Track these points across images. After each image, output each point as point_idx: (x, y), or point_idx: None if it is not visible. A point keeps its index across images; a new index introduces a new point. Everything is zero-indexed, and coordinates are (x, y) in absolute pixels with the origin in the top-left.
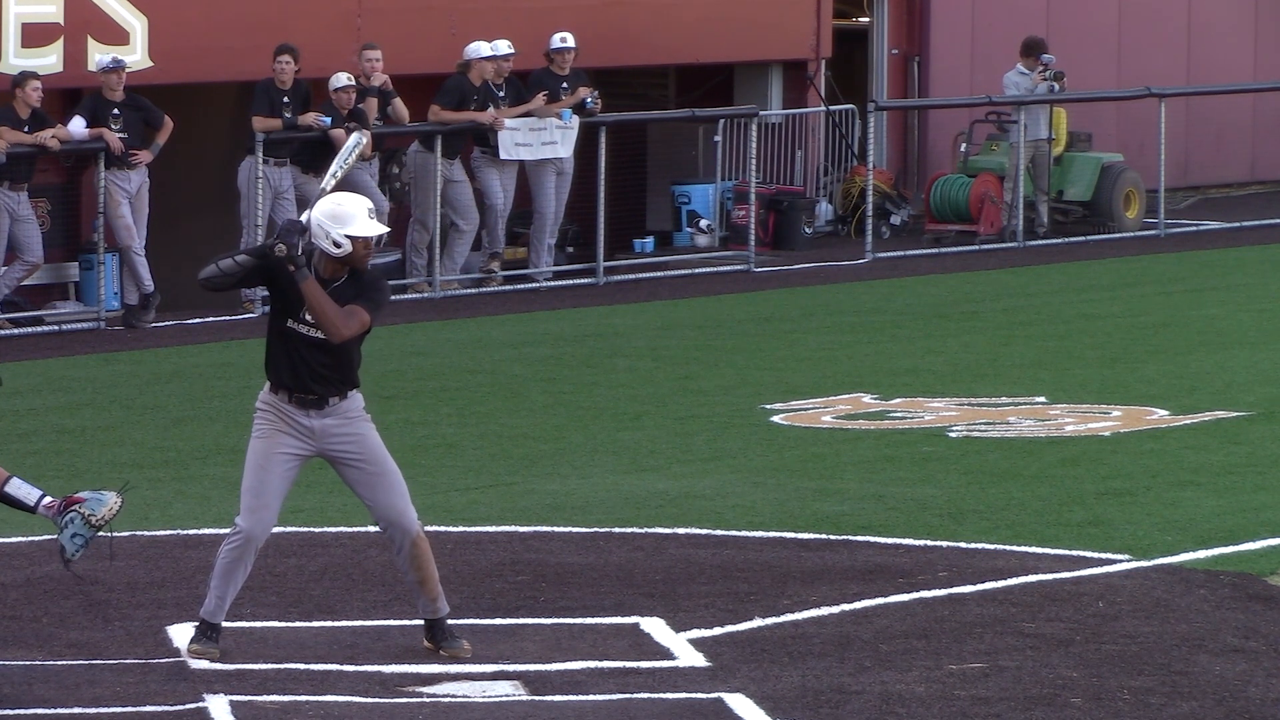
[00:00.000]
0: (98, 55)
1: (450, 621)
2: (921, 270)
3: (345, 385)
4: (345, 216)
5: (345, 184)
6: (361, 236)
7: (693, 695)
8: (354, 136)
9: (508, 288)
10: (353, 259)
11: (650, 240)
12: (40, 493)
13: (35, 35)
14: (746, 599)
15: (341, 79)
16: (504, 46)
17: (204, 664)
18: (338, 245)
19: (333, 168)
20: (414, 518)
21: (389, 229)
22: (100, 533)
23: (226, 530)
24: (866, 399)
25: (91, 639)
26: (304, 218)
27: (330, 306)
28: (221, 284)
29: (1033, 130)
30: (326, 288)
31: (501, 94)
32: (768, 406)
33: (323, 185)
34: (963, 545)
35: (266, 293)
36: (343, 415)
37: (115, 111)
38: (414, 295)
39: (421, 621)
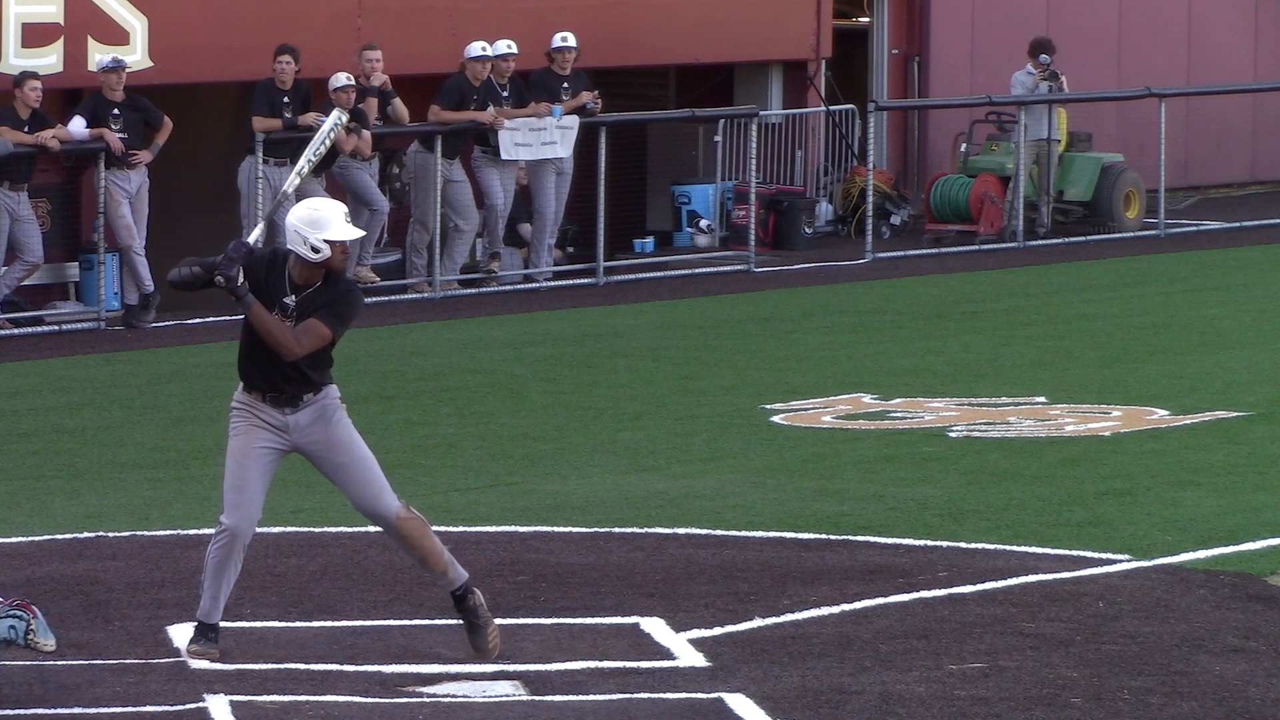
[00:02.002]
0: (98, 55)
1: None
2: (921, 270)
3: (318, 383)
4: (322, 221)
5: (345, 186)
6: (339, 240)
7: (693, 695)
8: (334, 114)
9: (508, 288)
10: (331, 263)
11: (650, 240)
12: None
13: (35, 35)
14: (746, 599)
15: (341, 79)
16: (503, 46)
17: (204, 664)
18: (316, 250)
19: (313, 143)
20: (389, 504)
21: (365, 232)
22: (26, 648)
23: None
24: (866, 399)
25: (91, 639)
26: (252, 239)
27: (278, 329)
28: (184, 289)
29: (1034, 130)
30: (300, 293)
31: (505, 94)
32: (768, 406)
33: (298, 166)
34: (963, 545)
35: None
36: (317, 407)
37: (115, 111)
38: (414, 295)
39: (426, 621)
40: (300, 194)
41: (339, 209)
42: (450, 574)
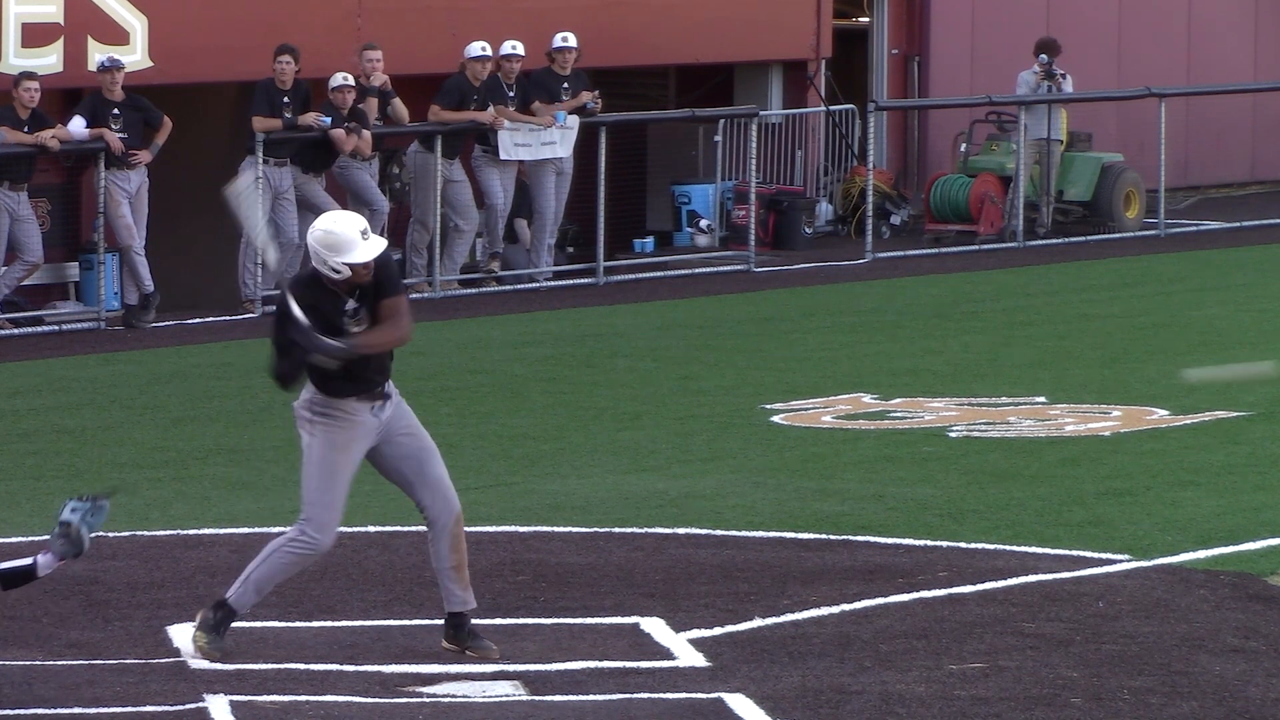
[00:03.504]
0: (97, 55)
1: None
2: (921, 270)
3: (390, 368)
4: (341, 244)
5: (345, 186)
6: (359, 263)
7: (693, 695)
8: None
9: (508, 288)
10: (353, 281)
11: (650, 240)
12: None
13: (35, 35)
14: (746, 599)
15: (339, 78)
16: (508, 46)
17: (204, 664)
18: (336, 271)
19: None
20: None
21: (386, 244)
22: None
23: (228, 530)
24: (866, 399)
25: (91, 639)
26: (273, 266)
27: (384, 336)
28: (291, 381)
29: (1034, 130)
30: (354, 295)
31: (511, 94)
32: (768, 406)
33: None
34: (963, 545)
35: (266, 291)
36: (395, 399)
37: (115, 111)
38: (414, 295)
39: (426, 621)
40: (300, 196)
41: (356, 226)
42: (470, 592)
